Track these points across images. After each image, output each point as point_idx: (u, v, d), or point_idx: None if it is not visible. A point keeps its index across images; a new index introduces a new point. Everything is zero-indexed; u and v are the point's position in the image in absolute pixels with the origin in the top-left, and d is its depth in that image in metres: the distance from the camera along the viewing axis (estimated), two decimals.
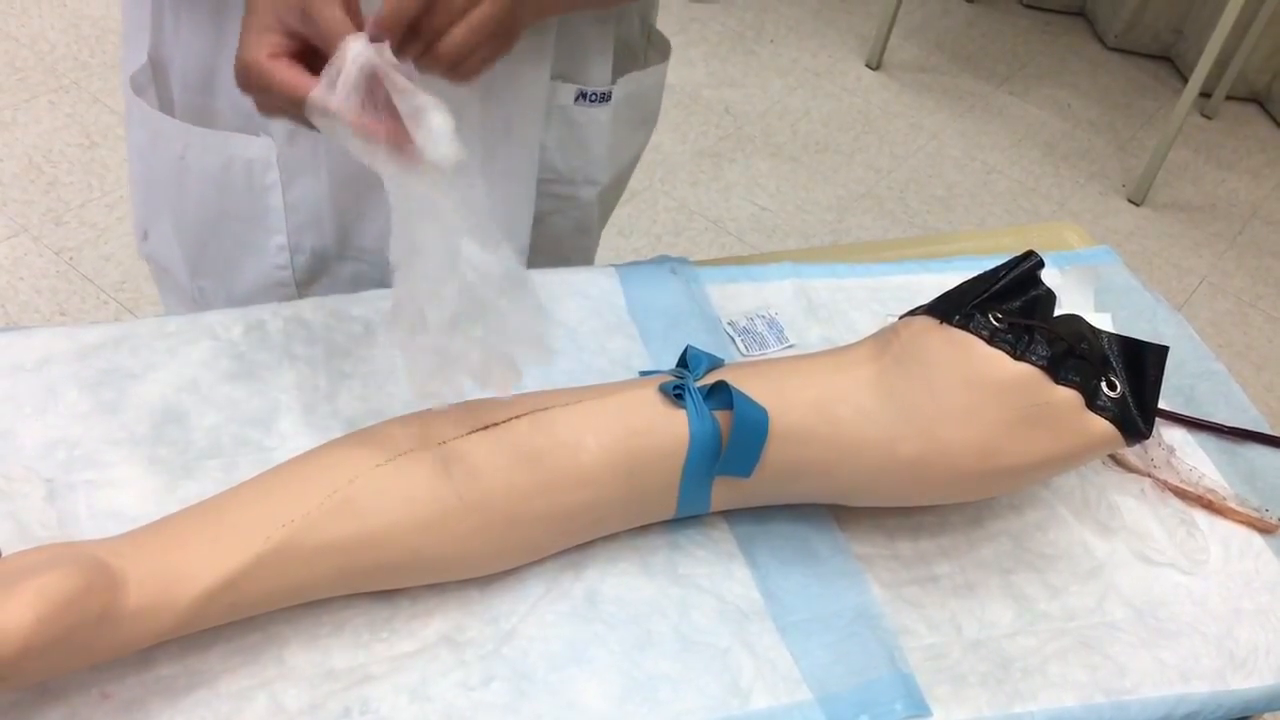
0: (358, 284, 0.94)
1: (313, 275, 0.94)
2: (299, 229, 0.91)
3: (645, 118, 1.04)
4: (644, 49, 1.00)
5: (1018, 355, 0.70)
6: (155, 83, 0.90)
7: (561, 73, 0.91)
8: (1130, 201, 2.65)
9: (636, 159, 1.08)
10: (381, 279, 0.93)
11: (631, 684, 0.67)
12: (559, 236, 1.02)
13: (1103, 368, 0.71)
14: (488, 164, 0.89)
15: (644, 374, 0.77)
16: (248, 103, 0.85)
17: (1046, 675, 0.71)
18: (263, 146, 0.87)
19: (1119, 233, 2.56)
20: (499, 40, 0.70)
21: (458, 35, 0.67)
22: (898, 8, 2.80)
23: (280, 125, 0.85)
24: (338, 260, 0.94)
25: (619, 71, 0.95)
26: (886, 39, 2.87)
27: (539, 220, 0.99)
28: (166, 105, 0.90)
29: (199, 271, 0.96)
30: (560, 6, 0.79)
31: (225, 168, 0.88)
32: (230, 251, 0.94)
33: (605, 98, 0.94)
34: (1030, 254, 0.74)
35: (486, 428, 0.67)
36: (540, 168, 0.95)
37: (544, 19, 0.79)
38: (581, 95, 0.92)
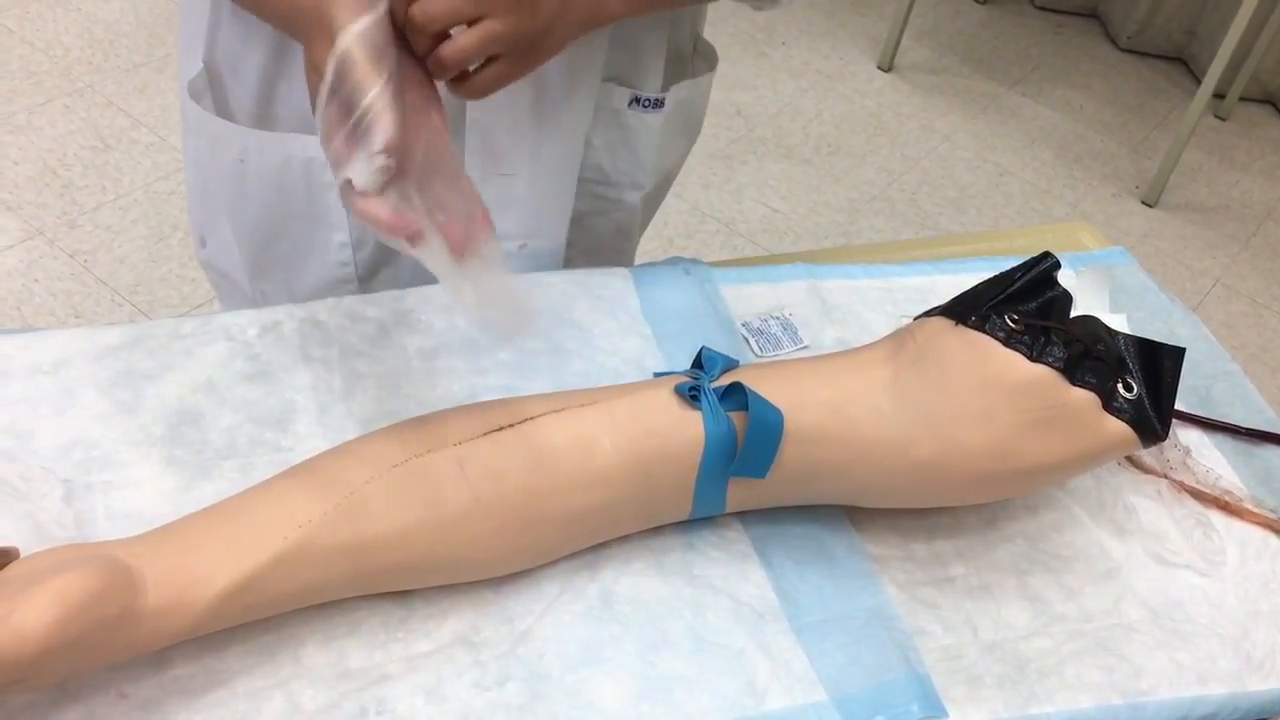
0: (418, 275, 0.94)
1: (374, 269, 0.95)
2: (362, 224, 0.91)
3: (691, 126, 1.05)
4: (691, 58, 1.00)
5: (1034, 357, 0.69)
6: (211, 89, 0.91)
7: (615, 76, 0.91)
8: (1144, 203, 2.64)
9: (679, 167, 1.09)
10: None
11: (646, 684, 0.67)
12: (599, 238, 1.02)
13: (1119, 369, 0.71)
14: (533, 157, 0.90)
15: (658, 375, 0.77)
16: (305, 107, 0.86)
17: (1063, 677, 0.71)
18: (319, 145, 0.87)
19: (1132, 234, 2.55)
20: (513, 61, 0.71)
21: (461, 41, 0.67)
22: (909, 9, 2.79)
23: None
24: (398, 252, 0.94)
25: (671, 79, 0.95)
26: (898, 41, 2.87)
27: (580, 221, 0.99)
28: (224, 112, 0.91)
29: (260, 275, 0.97)
30: (603, 19, 0.79)
31: (283, 169, 0.89)
32: (291, 252, 0.94)
33: (659, 104, 0.94)
34: (1046, 255, 0.74)
35: (501, 429, 0.68)
36: (587, 168, 0.96)
37: (587, 33, 0.79)
38: (635, 100, 0.93)
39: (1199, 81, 2.52)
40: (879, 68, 2.91)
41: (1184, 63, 3.12)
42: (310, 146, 0.88)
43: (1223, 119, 2.97)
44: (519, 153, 0.89)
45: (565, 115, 0.89)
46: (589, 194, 0.98)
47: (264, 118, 0.89)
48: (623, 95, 0.92)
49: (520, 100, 0.86)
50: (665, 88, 0.95)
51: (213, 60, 0.90)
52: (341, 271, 0.94)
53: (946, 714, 0.68)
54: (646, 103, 0.94)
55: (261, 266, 0.96)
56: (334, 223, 0.92)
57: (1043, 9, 3.25)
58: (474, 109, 0.86)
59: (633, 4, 0.79)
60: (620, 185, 0.99)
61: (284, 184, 0.90)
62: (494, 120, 0.87)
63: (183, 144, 0.99)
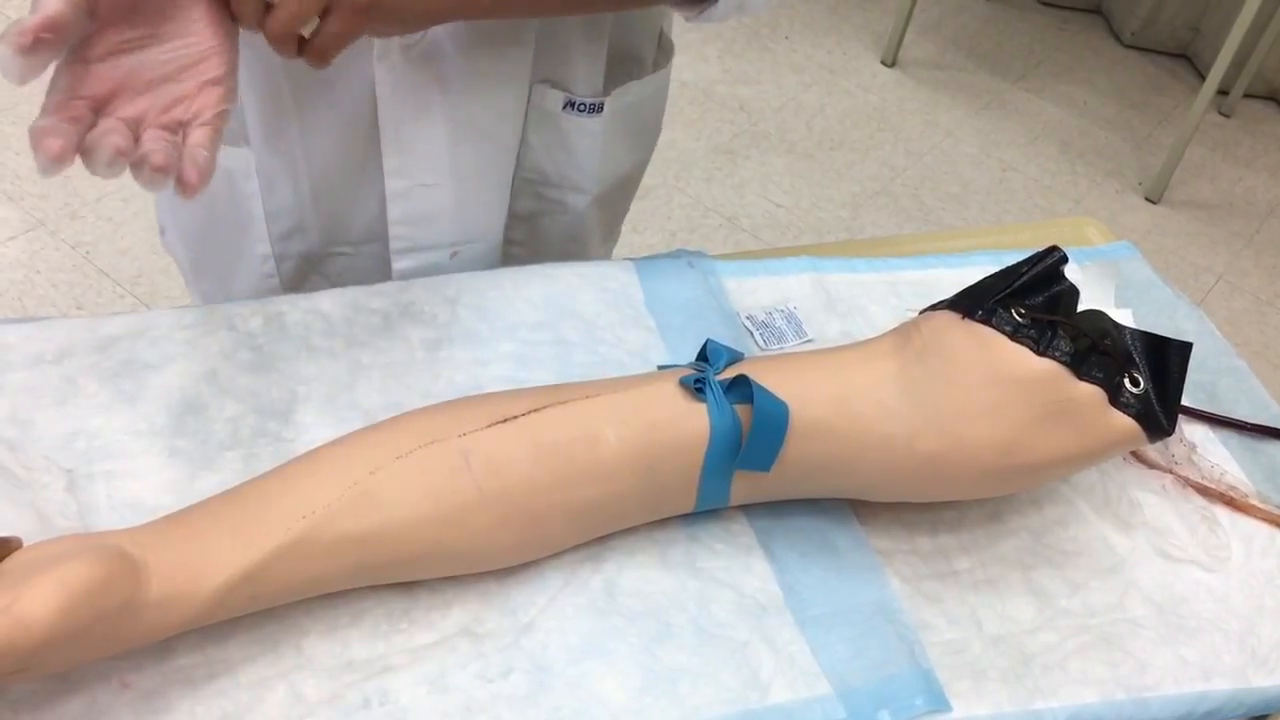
0: (345, 277, 0.94)
1: (300, 278, 0.94)
2: (283, 237, 0.91)
3: (645, 127, 1.02)
4: (654, 55, 0.98)
5: (1040, 351, 0.69)
6: None
7: (547, 78, 0.89)
8: (1147, 199, 2.64)
9: (640, 168, 1.06)
10: (370, 267, 0.93)
11: (650, 677, 0.66)
12: (547, 240, 1.01)
13: (1126, 364, 0.71)
14: (455, 166, 0.88)
15: (662, 368, 0.77)
16: (237, 114, 0.85)
17: (1067, 671, 0.71)
18: (241, 157, 0.87)
19: (1135, 231, 2.55)
20: (349, 14, 0.66)
21: (286, 4, 0.64)
22: (913, 5, 2.79)
23: (258, 133, 0.85)
24: (324, 259, 0.94)
25: (615, 82, 0.93)
26: (902, 36, 2.86)
27: (530, 219, 0.98)
28: None
29: (200, 274, 0.97)
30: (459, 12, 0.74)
31: None
32: (223, 257, 0.94)
33: (596, 109, 0.92)
34: (1053, 249, 0.73)
35: (506, 421, 0.67)
36: (526, 169, 0.94)
37: (437, 20, 0.75)
38: (570, 104, 0.91)
39: (1203, 78, 2.52)
40: (882, 63, 2.91)
41: (1188, 59, 3.12)
42: (231, 156, 0.87)
43: (1226, 116, 2.96)
44: (439, 163, 0.87)
45: (487, 121, 0.87)
46: (532, 194, 0.96)
47: None
48: (556, 98, 0.90)
49: (432, 109, 0.84)
50: (607, 91, 0.93)
51: None
52: (268, 282, 0.93)
53: (950, 708, 0.68)
54: (582, 107, 0.91)
55: (200, 267, 0.97)
56: (256, 234, 0.91)
57: (1047, 4, 3.24)
58: (387, 121, 0.84)
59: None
60: (561, 188, 0.97)
61: (211, 193, 0.88)
62: (408, 133, 0.85)
63: None
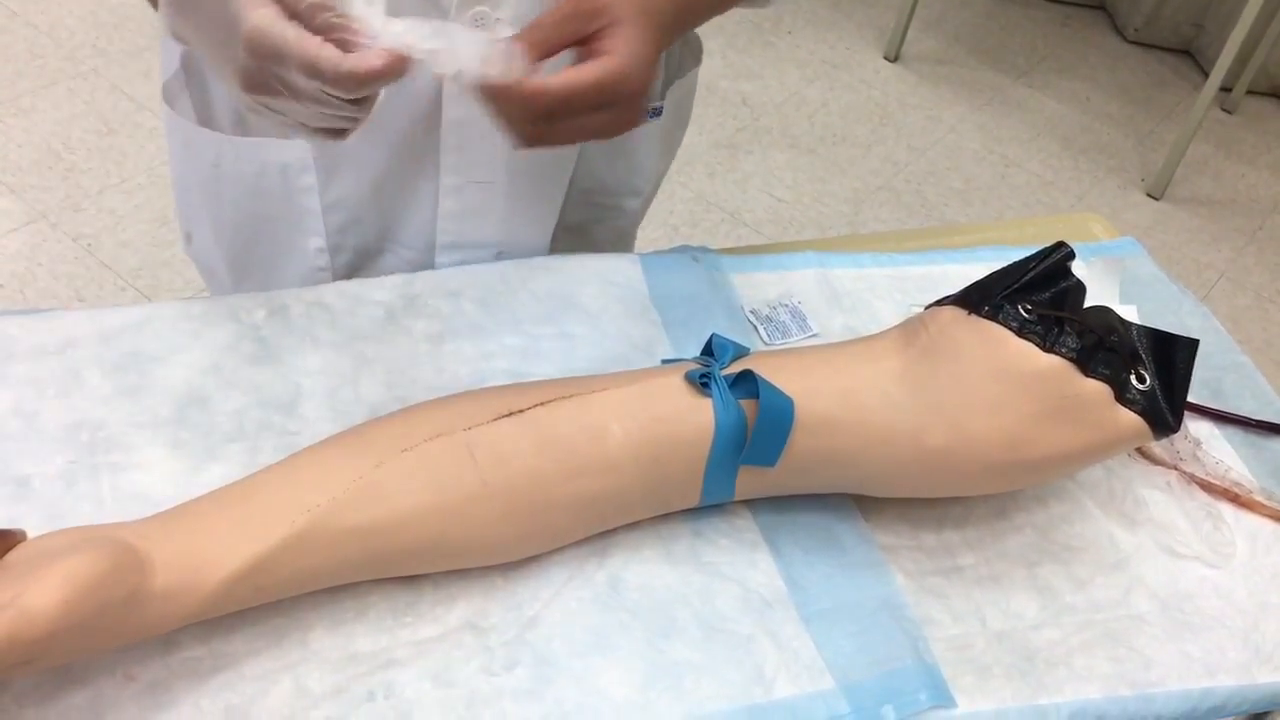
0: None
1: (351, 273, 0.94)
2: (339, 229, 0.91)
3: (683, 121, 1.04)
4: (681, 55, 0.99)
5: (1046, 347, 0.69)
6: (190, 89, 0.90)
7: None
8: (1149, 196, 2.64)
9: (672, 159, 1.08)
10: (422, 267, 0.93)
11: (654, 671, 0.66)
12: (599, 246, 1.01)
13: (1132, 360, 0.71)
14: (511, 167, 0.88)
15: (667, 362, 0.77)
16: None
17: (1071, 667, 0.71)
18: (298, 149, 0.86)
19: (1138, 227, 2.54)
20: (605, 117, 0.69)
21: (553, 86, 0.65)
22: (916, 0, 2.79)
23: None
24: (378, 255, 0.94)
25: (666, 84, 0.94)
26: (905, 31, 2.86)
27: (581, 230, 0.98)
28: (204, 111, 0.90)
29: (241, 274, 0.96)
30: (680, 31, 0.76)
31: (260, 174, 0.88)
32: (270, 254, 0.93)
33: (657, 113, 0.93)
34: (1061, 245, 0.73)
35: (511, 414, 0.67)
36: (585, 178, 0.94)
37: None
38: None
39: (1206, 74, 2.51)
40: (885, 58, 2.90)
41: (1191, 56, 3.11)
42: (286, 151, 0.86)
43: (1229, 112, 2.96)
44: (495, 162, 0.87)
45: None
46: (588, 203, 0.97)
47: (244, 119, 0.88)
48: None
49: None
50: (662, 95, 0.93)
51: (191, 61, 0.89)
52: (319, 276, 0.93)
53: (955, 703, 0.68)
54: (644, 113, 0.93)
55: (242, 267, 0.96)
56: (310, 228, 0.90)
57: (1049, 0, 3.24)
58: (451, 110, 0.84)
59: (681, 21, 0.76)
60: (620, 193, 0.98)
61: (260, 188, 0.88)
62: (469, 130, 0.85)
63: (166, 140, 0.97)
